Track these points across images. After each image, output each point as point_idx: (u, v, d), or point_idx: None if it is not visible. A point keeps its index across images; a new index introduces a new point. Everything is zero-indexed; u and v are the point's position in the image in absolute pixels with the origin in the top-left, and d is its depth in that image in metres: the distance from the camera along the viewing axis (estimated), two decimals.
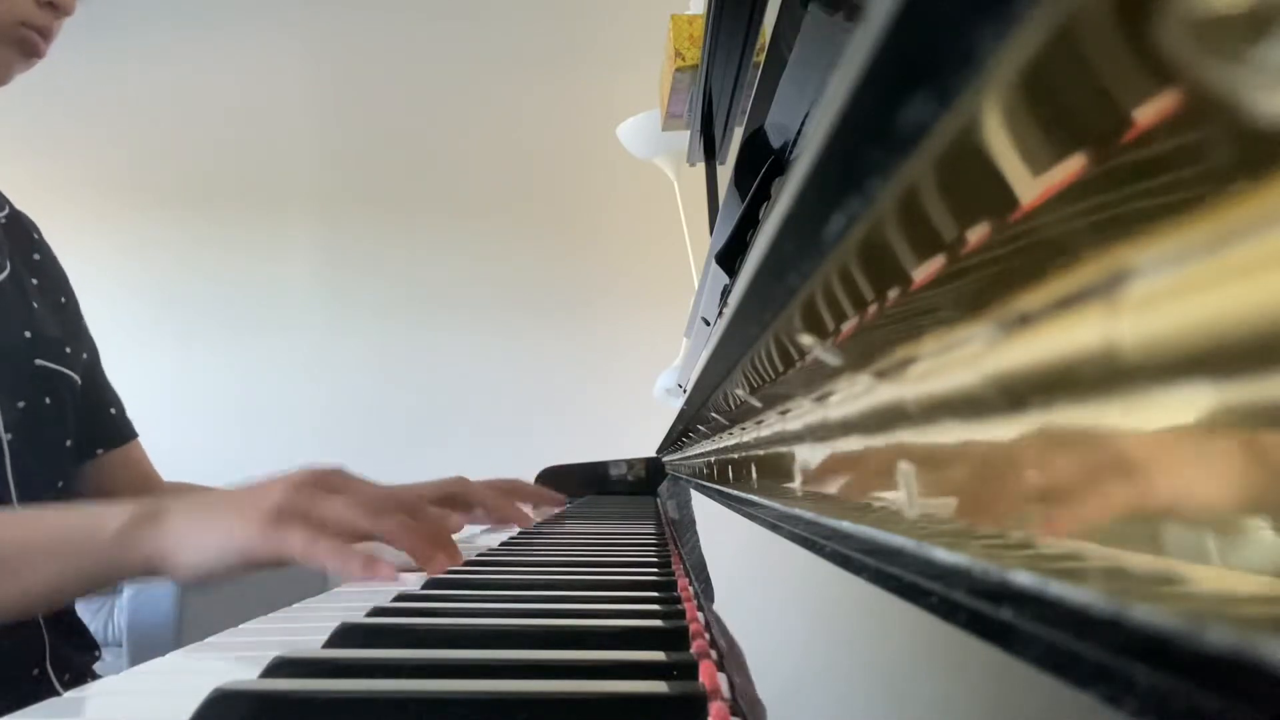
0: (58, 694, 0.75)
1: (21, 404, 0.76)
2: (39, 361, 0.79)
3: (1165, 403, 0.10)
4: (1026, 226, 0.12)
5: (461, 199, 2.83)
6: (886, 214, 0.16)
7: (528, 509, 0.89)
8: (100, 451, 0.88)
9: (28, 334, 0.79)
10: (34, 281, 0.84)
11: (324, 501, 0.59)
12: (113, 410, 0.91)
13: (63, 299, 0.88)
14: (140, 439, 0.94)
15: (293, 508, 0.58)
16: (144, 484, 0.91)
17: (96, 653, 0.86)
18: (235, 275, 2.85)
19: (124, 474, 0.90)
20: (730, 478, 0.59)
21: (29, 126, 2.75)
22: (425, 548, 0.61)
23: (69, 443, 0.82)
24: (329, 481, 0.61)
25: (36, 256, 0.87)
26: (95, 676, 0.83)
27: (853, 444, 0.24)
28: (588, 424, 2.55)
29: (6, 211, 0.86)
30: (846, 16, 0.24)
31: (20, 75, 0.77)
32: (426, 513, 0.66)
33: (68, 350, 0.83)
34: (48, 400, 0.79)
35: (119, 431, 0.91)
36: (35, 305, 0.82)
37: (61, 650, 0.79)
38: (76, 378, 0.84)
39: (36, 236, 0.89)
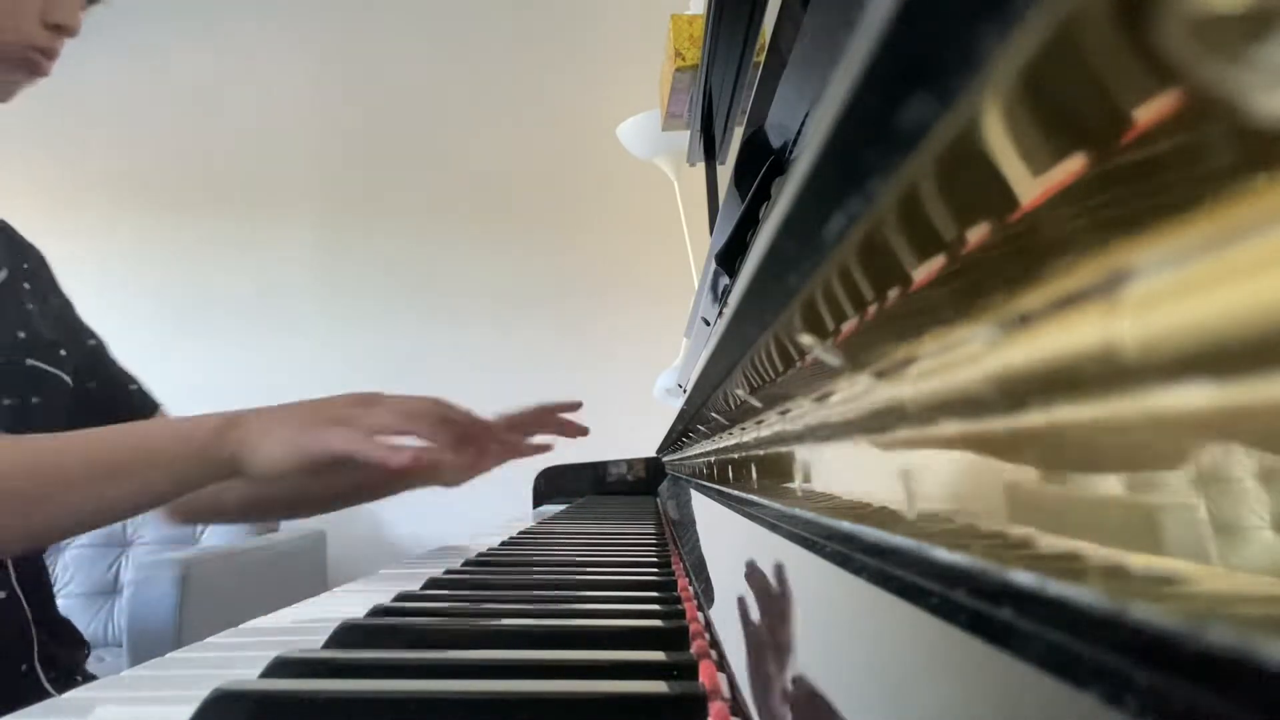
0: (46, 691, 0.75)
1: (9, 401, 0.78)
2: (30, 361, 0.80)
3: (1165, 402, 0.10)
4: (1026, 226, 0.12)
5: (462, 199, 2.83)
6: (886, 214, 0.16)
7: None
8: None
9: (21, 334, 0.80)
10: (26, 286, 0.85)
11: (368, 409, 0.74)
12: (133, 387, 0.95)
13: (55, 301, 0.90)
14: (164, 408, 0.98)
15: (341, 415, 0.72)
16: None
17: (85, 650, 0.86)
18: (235, 275, 2.85)
19: None
20: (730, 478, 0.59)
21: (29, 126, 2.75)
22: (451, 446, 0.74)
23: None
24: (375, 398, 0.77)
25: (26, 265, 0.88)
26: (85, 673, 0.83)
27: (853, 444, 0.24)
28: (588, 424, 2.55)
29: None
30: (846, 16, 0.24)
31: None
32: (461, 417, 0.80)
33: (61, 353, 0.85)
34: (35, 399, 0.80)
35: (143, 404, 0.95)
36: (30, 307, 0.83)
37: (50, 647, 0.79)
38: (68, 379, 0.85)
39: (23, 243, 0.90)
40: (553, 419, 0.96)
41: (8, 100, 0.79)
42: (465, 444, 0.76)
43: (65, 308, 0.91)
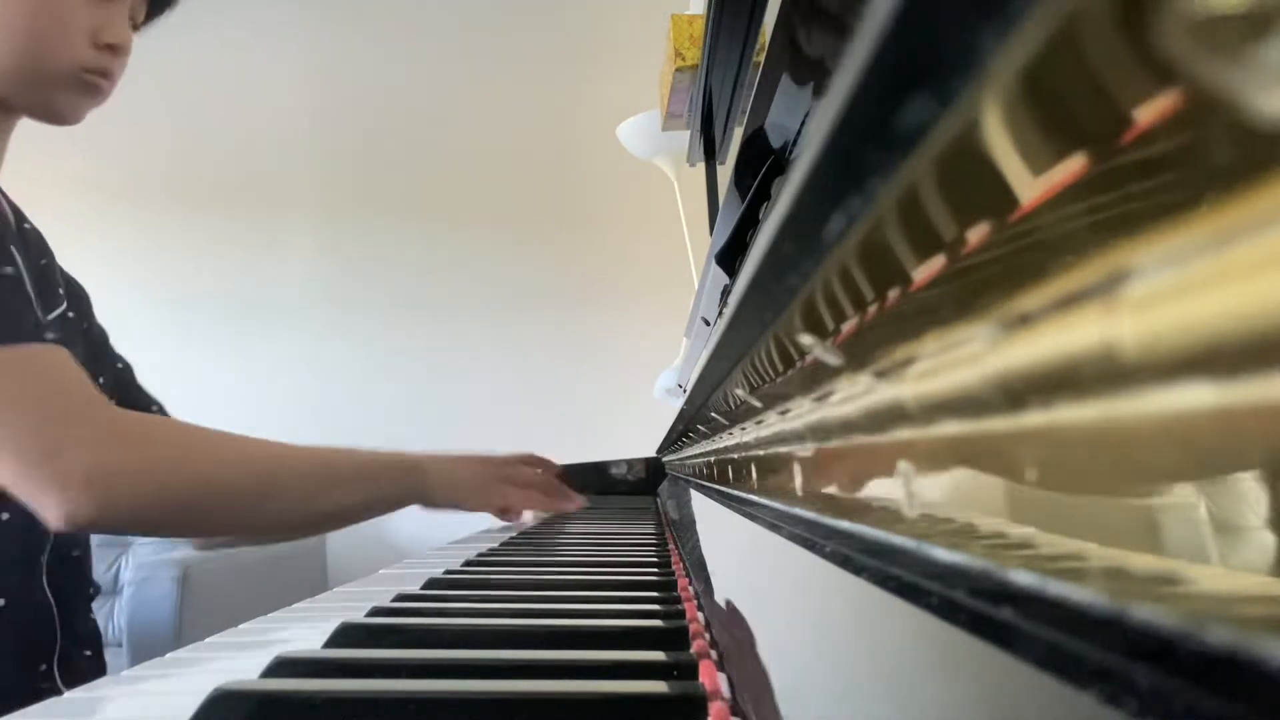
0: (59, 691, 0.75)
1: None
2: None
3: (1165, 402, 0.10)
4: (1026, 226, 0.12)
5: (462, 199, 2.83)
6: (886, 214, 0.16)
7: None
8: None
9: (71, 314, 0.85)
10: (71, 315, 0.88)
11: (519, 470, 1.01)
12: (154, 408, 0.98)
13: (96, 334, 0.94)
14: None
15: (507, 475, 0.97)
16: None
17: (102, 674, 0.87)
18: (235, 275, 2.85)
19: None
20: (730, 478, 0.59)
21: (30, 126, 2.75)
22: (568, 501, 1.07)
23: None
24: (519, 459, 1.04)
25: (79, 300, 0.92)
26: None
27: (853, 444, 0.24)
28: (588, 424, 2.55)
29: (28, 225, 0.89)
30: (846, 17, 0.24)
31: None
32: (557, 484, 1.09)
33: (100, 380, 0.87)
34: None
35: (144, 397, 0.98)
36: (74, 337, 0.86)
37: (70, 654, 0.80)
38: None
39: (67, 275, 0.93)
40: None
41: (75, 122, 0.81)
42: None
43: (102, 337, 0.95)
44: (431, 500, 0.87)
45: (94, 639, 0.86)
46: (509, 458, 1.01)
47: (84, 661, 0.82)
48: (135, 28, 0.84)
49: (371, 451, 0.86)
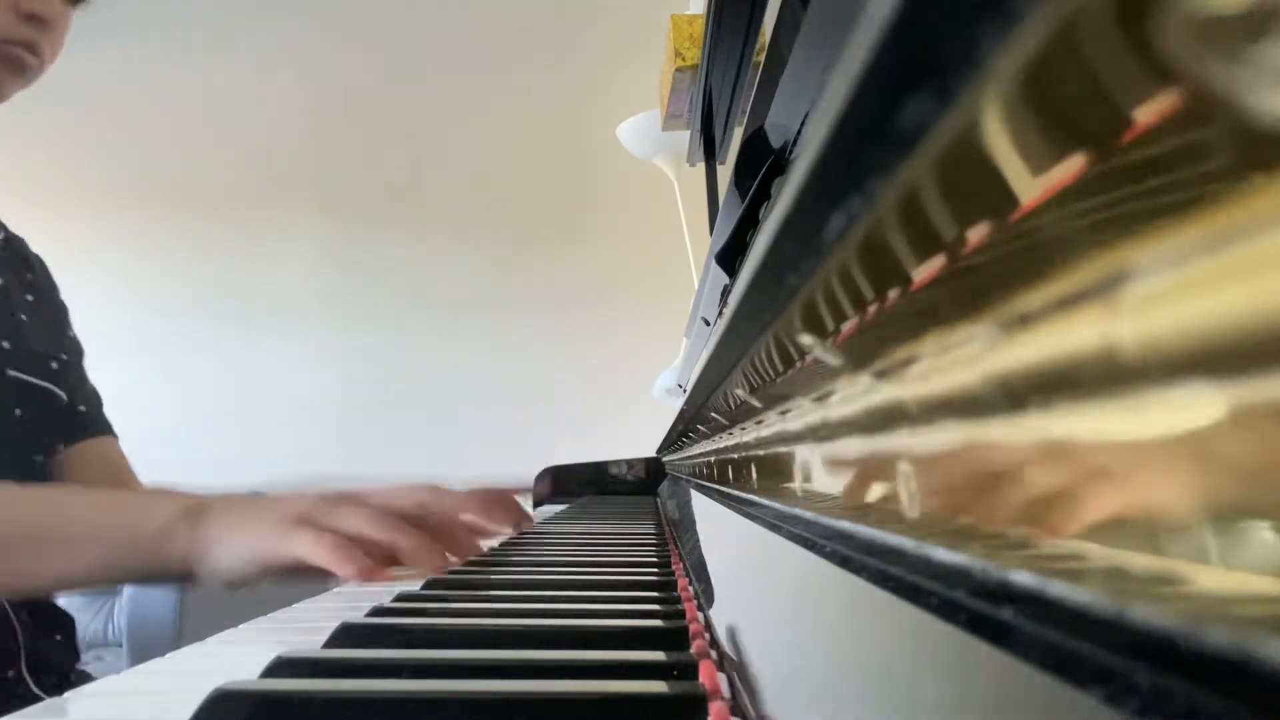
0: (34, 695, 0.74)
1: None
2: (11, 372, 0.78)
3: (1165, 403, 0.10)
4: (1026, 226, 0.12)
5: (462, 199, 2.83)
6: (886, 214, 0.16)
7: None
8: (60, 446, 0.85)
9: (5, 345, 0.78)
10: (29, 298, 0.84)
11: (341, 513, 0.61)
12: (81, 407, 0.88)
13: (54, 313, 0.88)
14: (118, 441, 0.91)
15: (310, 516, 0.61)
16: (115, 485, 0.88)
17: (77, 657, 0.84)
18: (236, 275, 2.85)
19: (88, 473, 0.86)
20: (730, 478, 0.59)
21: (30, 126, 2.75)
22: (425, 561, 0.62)
23: (38, 457, 0.80)
24: (349, 497, 0.64)
25: (29, 275, 0.87)
26: (80, 674, 0.82)
27: (853, 444, 0.24)
28: (588, 424, 2.55)
29: (3, 235, 0.86)
30: (846, 16, 0.24)
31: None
32: (451, 534, 0.68)
33: (54, 366, 0.82)
34: (18, 412, 0.78)
35: (83, 427, 0.88)
36: (24, 319, 0.82)
37: (41, 650, 0.77)
38: (63, 394, 0.83)
39: (30, 255, 0.89)
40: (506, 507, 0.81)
41: (3, 100, 0.77)
42: (436, 544, 0.64)
43: (62, 319, 0.89)
44: (202, 568, 0.60)
45: (60, 622, 0.82)
46: (341, 494, 0.65)
47: (54, 648, 0.79)
48: (70, 1, 0.77)
49: (132, 499, 0.66)
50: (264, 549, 0.60)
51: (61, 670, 0.80)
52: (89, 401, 0.90)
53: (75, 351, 0.90)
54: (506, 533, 0.80)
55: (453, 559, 0.64)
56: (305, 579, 0.62)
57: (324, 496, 0.63)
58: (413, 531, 0.62)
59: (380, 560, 0.60)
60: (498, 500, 0.78)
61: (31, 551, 0.60)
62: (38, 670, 0.76)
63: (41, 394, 0.81)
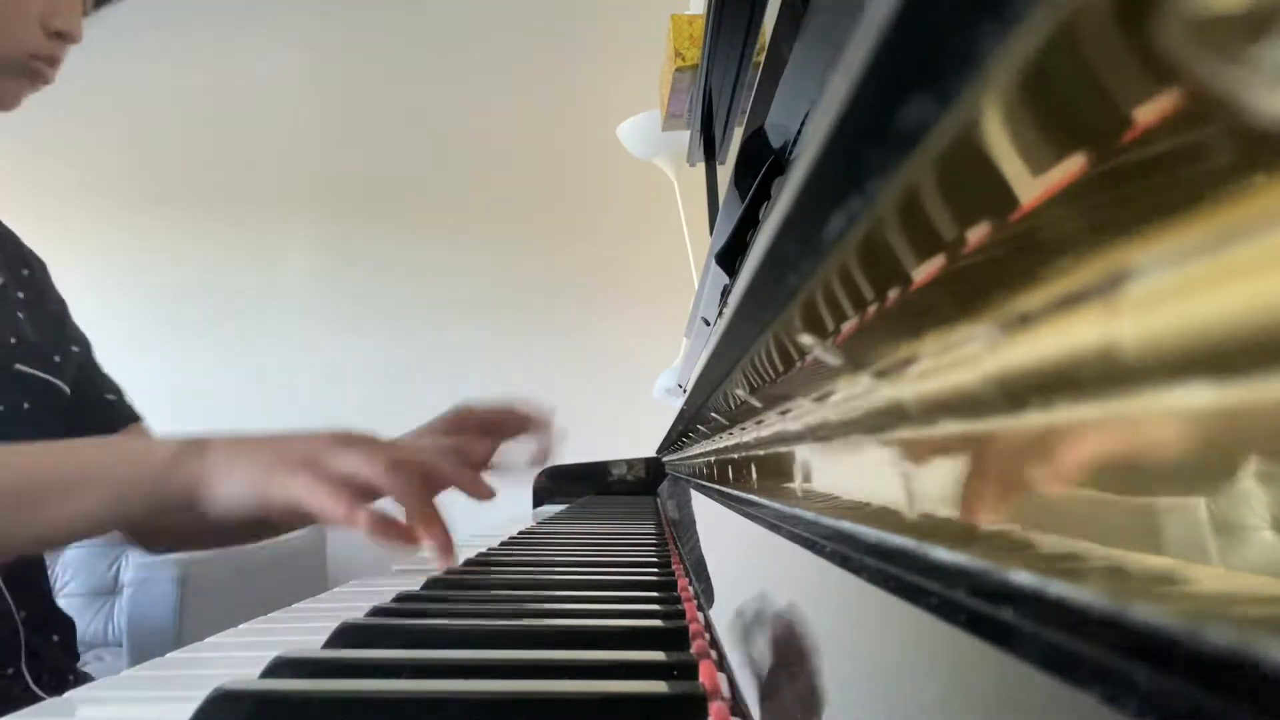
0: (34, 694, 0.74)
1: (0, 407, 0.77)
2: (18, 366, 0.79)
3: (1165, 402, 0.10)
4: (1027, 226, 0.12)
5: (462, 199, 2.83)
6: (886, 214, 0.16)
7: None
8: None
9: (12, 340, 0.79)
10: (20, 295, 0.85)
11: (340, 455, 0.61)
12: (110, 396, 0.91)
13: (53, 309, 0.89)
14: (144, 423, 0.94)
15: (309, 457, 0.60)
16: None
17: (76, 658, 0.85)
18: (235, 276, 2.85)
19: None
20: (730, 478, 0.59)
21: (29, 126, 2.75)
22: (419, 517, 0.60)
23: None
24: (356, 439, 0.63)
25: (25, 271, 0.88)
26: (79, 674, 0.82)
27: (852, 444, 0.24)
28: (588, 424, 2.55)
29: None
30: (846, 16, 0.24)
31: None
32: (450, 472, 0.65)
33: (56, 360, 0.84)
34: (26, 405, 0.79)
35: (119, 416, 0.91)
36: (21, 315, 0.83)
37: (41, 650, 0.78)
38: (65, 387, 0.84)
39: (25, 250, 0.90)
40: (518, 424, 0.82)
41: (13, 108, 0.78)
42: (424, 521, 0.61)
43: (60, 313, 0.90)
44: (205, 499, 0.61)
45: (59, 623, 0.83)
46: (347, 438, 0.63)
47: (53, 649, 0.80)
48: (86, 12, 0.79)
49: (132, 442, 0.69)
50: (265, 487, 0.60)
51: (61, 671, 0.80)
52: (113, 389, 0.93)
53: (82, 343, 0.91)
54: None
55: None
56: (301, 520, 0.63)
57: (332, 436, 0.63)
58: (411, 478, 0.60)
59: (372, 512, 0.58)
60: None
61: (41, 498, 0.61)
62: (38, 669, 0.76)
63: (46, 387, 0.82)
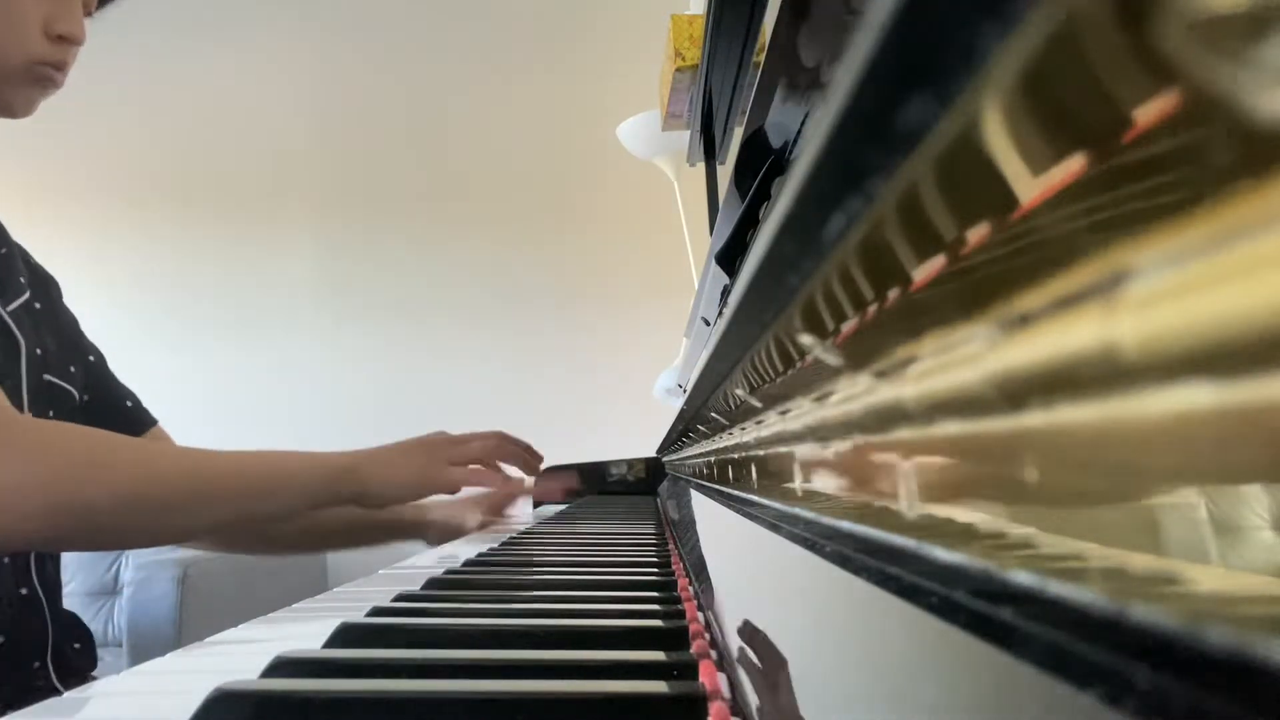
0: (55, 689, 0.75)
1: (32, 415, 0.79)
2: (46, 376, 0.82)
3: (1165, 402, 0.10)
4: (1026, 226, 0.12)
5: (461, 199, 2.83)
6: (886, 214, 0.16)
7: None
8: None
9: (39, 351, 0.82)
10: (38, 306, 0.86)
11: (463, 446, 0.93)
12: (129, 403, 0.97)
13: (65, 321, 0.92)
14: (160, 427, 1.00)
15: (449, 453, 0.91)
16: None
17: (94, 664, 0.87)
18: (235, 275, 2.85)
19: None
20: (730, 478, 0.59)
21: (29, 126, 2.75)
22: (530, 460, 1.02)
23: None
24: (456, 437, 0.94)
25: (41, 288, 0.90)
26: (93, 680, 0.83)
27: (853, 444, 0.24)
28: (588, 424, 2.55)
29: (22, 256, 0.89)
30: (846, 16, 0.24)
31: None
32: (516, 446, 1.01)
33: (71, 369, 0.87)
34: (51, 413, 0.82)
35: (138, 421, 0.96)
36: (41, 326, 0.85)
37: (63, 648, 0.80)
38: (76, 393, 0.87)
39: (36, 266, 0.91)
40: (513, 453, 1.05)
41: (27, 114, 0.80)
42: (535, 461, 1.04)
43: (72, 325, 0.93)
44: (369, 498, 0.84)
45: (79, 629, 0.85)
46: (452, 436, 0.94)
47: (73, 653, 0.82)
48: (89, 13, 0.80)
49: (299, 454, 0.83)
50: (430, 480, 0.88)
51: (81, 672, 0.81)
52: (132, 397, 0.98)
53: (96, 354, 0.95)
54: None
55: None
56: (455, 503, 1.02)
57: (443, 438, 0.93)
58: (512, 453, 0.99)
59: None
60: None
61: (256, 499, 0.77)
62: (60, 666, 0.78)
63: (65, 396, 0.85)
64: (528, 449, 1.03)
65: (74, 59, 0.78)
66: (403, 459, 0.86)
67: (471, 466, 0.91)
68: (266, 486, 0.78)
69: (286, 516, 0.83)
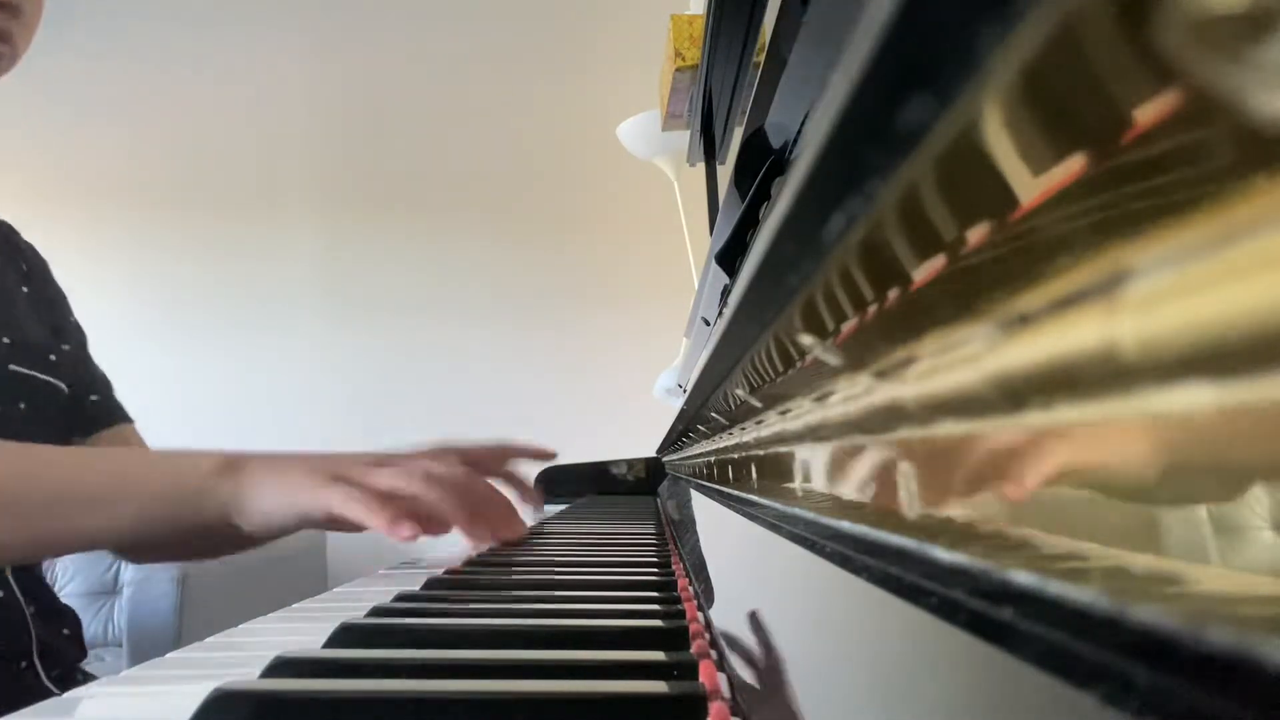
0: (46, 688, 0.75)
1: None
2: (12, 367, 0.78)
3: (1165, 402, 0.10)
4: (1026, 226, 0.12)
5: (462, 199, 2.83)
6: (886, 214, 0.16)
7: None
8: (77, 439, 0.86)
9: (6, 340, 0.78)
10: (24, 289, 0.84)
11: (374, 472, 0.64)
12: (93, 397, 0.89)
13: (52, 300, 0.88)
14: (134, 425, 0.92)
15: (345, 473, 0.64)
16: None
17: (84, 653, 0.85)
18: (236, 275, 2.85)
19: None
20: (730, 478, 0.59)
21: (29, 126, 2.75)
22: (463, 519, 0.66)
23: None
24: (389, 459, 0.68)
25: (24, 267, 0.87)
26: (84, 673, 0.82)
27: (853, 444, 0.24)
28: (588, 424, 2.55)
29: None
30: (846, 16, 0.24)
31: (18, 75, 0.76)
32: (482, 492, 0.70)
33: (52, 358, 0.82)
34: (23, 406, 0.78)
35: (99, 416, 0.89)
36: (20, 311, 0.81)
37: (50, 644, 0.78)
38: (63, 386, 0.83)
39: (21, 244, 0.89)
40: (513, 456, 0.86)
41: None
42: (480, 517, 0.68)
43: (60, 306, 0.89)
44: (241, 514, 0.63)
45: (63, 614, 0.82)
46: (382, 455, 0.69)
47: (62, 642, 0.80)
48: None
49: (171, 455, 0.67)
50: (300, 501, 0.62)
51: (69, 664, 0.80)
52: (99, 389, 0.90)
53: (77, 339, 0.89)
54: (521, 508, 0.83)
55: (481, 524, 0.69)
56: (339, 530, 0.65)
57: (358, 457, 0.67)
58: (448, 488, 0.65)
59: (413, 518, 0.61)
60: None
61: (76, 509, 0.61)
62: (49, 664, 0.77)
63: (44, 388, 0.81)
64: (535, 453, 0.83)
65: (24, 31, 0.73)
66: (281, 469, 0.64)
67: (363, 497, 0.61)
68: (99, 498, 0.62)
69: (130, 535, 0.63)
